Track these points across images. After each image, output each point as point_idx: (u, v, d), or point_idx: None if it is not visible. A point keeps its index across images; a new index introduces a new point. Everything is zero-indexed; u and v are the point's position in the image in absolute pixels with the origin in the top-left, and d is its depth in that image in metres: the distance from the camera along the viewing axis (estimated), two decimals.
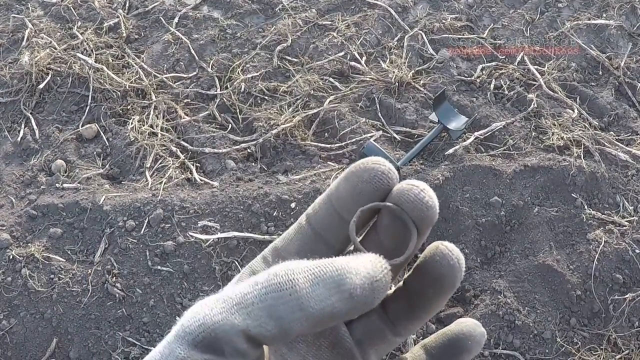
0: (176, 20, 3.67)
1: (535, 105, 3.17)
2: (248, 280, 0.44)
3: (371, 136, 3.01)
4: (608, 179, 2.88)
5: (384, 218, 0.52)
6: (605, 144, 3.02)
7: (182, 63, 3.44)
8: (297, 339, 0.52)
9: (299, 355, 0.52)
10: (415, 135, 3.05)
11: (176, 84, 3.33)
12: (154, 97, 3.22)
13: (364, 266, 0.44)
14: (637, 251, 2.65)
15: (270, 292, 0.43)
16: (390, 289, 0.52)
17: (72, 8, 3.76)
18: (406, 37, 3.52)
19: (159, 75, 3.35)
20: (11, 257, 2.61)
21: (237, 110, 3.19)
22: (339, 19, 3.62)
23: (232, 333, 0.42)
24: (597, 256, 2.62)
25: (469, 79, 3.33)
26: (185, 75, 3.38)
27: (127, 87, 3.27)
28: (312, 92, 3.22)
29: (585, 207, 2.79)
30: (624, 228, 2.73)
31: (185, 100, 3.24)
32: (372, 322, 0.54)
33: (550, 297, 2.57)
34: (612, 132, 3.12)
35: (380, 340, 0.54)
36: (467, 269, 2.67)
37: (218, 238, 2.62)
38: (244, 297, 0.43)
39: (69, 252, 2.66)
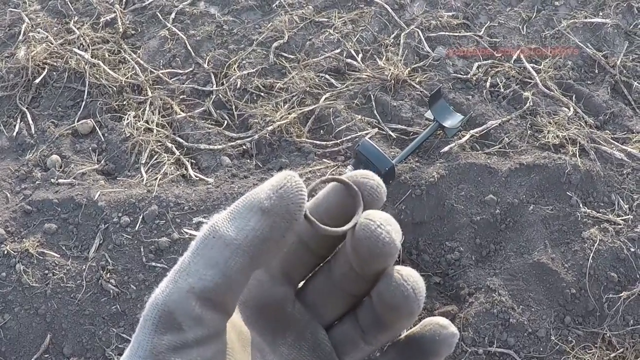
0: (173, 16, 3.67)
1: (531, 104, 3.17)
2: None
3: (366, 133, 3.01)
4: (603, 178, 2.88)
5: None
6: (601, 142, 3.02)
7: (178, 59, 3.43)
8: (279, 342, 0.52)
9: (281, 358, 0.52)
10: (411, 133, 3.05)
11: (172, 79, 3.33)
12: (149, 93, 3.22)
13: (269, 182, 0.45)
14: (632, 250, 2.65)
15: (199, 245, 0.44)
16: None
17: (69, 3, 3.75)
18: (402, 34, 3.51)
19: (155, 71, 3.35)
20: (5, 252, 2.61)
21: (233, 107, 3.19)
22: (335, 16, 3.62)
23: (180, 299, 0.43)
24: (592, 255, 2.62)
25: (465, 76, 3.33)
26: (181, 71, 3.38)
27: (123, 83, 3.27)
28: (308, 89, 3.22)
29: (581, 205, 2.79)
30: (619, 227, 2.73)
31: (181, 96, 3.24)
32: (346, 329, 0.54)
33: (544, 296, 2.57)
34: (607, 131, 3.12)
35: (353, 347, 0.54)
36: (462, 267, 2.67)
37: None
38: (182, 262, 0.44)
39: (63, 248, 2.66)
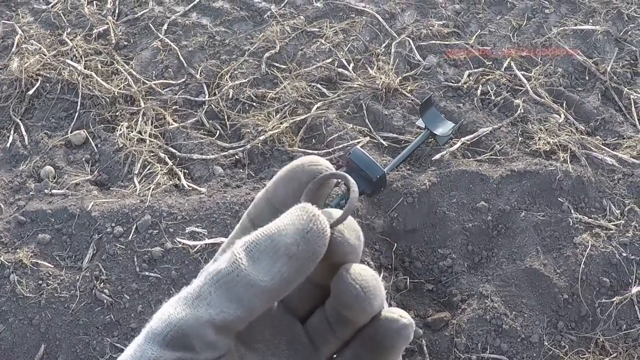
0: (165, 27, 3.68)
1: (522, 111, 3.18)
2: (202, 273, 0.46)
3: (358, 142, 3.02)
4: (594, 183, 2.89)
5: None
6: (592, 148, 3.03)
7: (170, 70, 3.45)
8: (256, 338, 0.52)
9: (258, 354, 0.52)
10: (403, 141, 3.06)
11: (165, 90, 3.34)
12: (142, 104, 3.23)
13: (292, 222, 0.45)
14: (624, 254, 2.66)
15: (221, 278, 0.44)
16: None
17: (61, 14, 3.77)
18: (393, 43, 3.53)
19: (147, 82, 3.36)
20: (0, 262, 2.61)
21: (225, 117, 3.20)
22: (326, 26, 3.64)
23: (198, 326, 0.43)
24: (584, 260, 2.63)
25: (455, 85, 3.34)
26: (173, 82, 3.39)
27: (116, 94, 3.28)
28: (299, 98, 3.24)
29: (572, 211, 2.80)
30: (611, 232, 2.74)
31: (173, 107, 3.25)
32: (316, 323, 0.54)
33: (537, 301, 2.58)
34: (598, 137, 3.14)
35: (324, 341, 0.54)
36: (454, 274, 2.68)
37: (206, 244, 2.63)
38: (201, 290, 0.44)
39: (57, 258, 2.66)
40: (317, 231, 0.45)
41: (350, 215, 0.49)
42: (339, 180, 0.51)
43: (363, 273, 0.49)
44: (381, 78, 3.29)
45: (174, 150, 3.07)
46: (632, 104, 3.30)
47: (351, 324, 0.52)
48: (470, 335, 2.51)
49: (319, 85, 3.33)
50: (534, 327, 2.52)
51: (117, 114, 3.23)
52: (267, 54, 3.48)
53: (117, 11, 3.84)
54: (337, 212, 0.49)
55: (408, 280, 2.66)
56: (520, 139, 3.09)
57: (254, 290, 0.43)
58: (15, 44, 3.57)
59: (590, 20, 3.72)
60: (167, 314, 0.44)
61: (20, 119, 3.23)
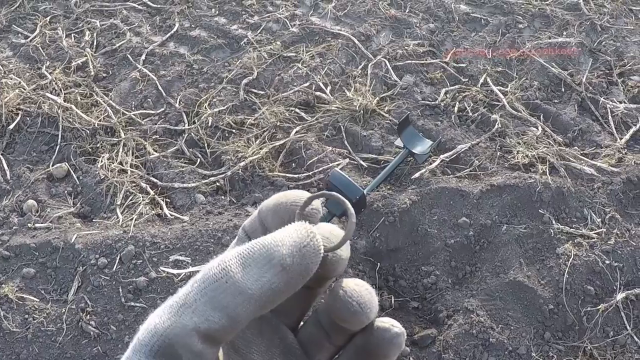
0: (143, 57, 3.70)
1: (500, 125, 3.21)
2: (189, 281, 0.46)
3: (338, 164, 3.03)
4: (574, 193, 2.91)
5: None
6: (570, 159, 3.05)
7: (149, 99, 3.46)
8: (252, 350, 0.53)
9: None
10: (382, 162, 3.08)
11: (144, 120, 3.36)
12: (122, 135, 3.24)
13: (290, 236, 0.45)
14: (607, 262, 2.68)
15: (208, 285, 0.44)
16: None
17: (40, 48, 3.78)
18: (370, 65, 3.56)
19: (127, 113, 3.37)
20: None
21: (205, 145, 3.22)
22: (303, 50, 3.66)
23: (183, 335, 0.43)
24: (567, 270, 2.64)
25: (433, 103, 3.37)
26: (153, 112, 3.40)
27: (96, 125, 3.29)
28: (278, 123, 3.25)
29: (553, 222, 2.82)
30: (593, 240, 2.76)
31: (153, 137, 3.27)
32: (310, 331, 0.55)
33: (523, 313, 2.59)
34: (576, 147, 3.16)
35: (319, 348, 0.55)
36: (439, 290, 2.69)
37: (190, 272, 2.63)
38: (186, 297, 0.44)
39: (42, 292, 2.66)
40: (313, 248, 0.45)
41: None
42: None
43: (357, 289, 0.50)
44: (359, 100, 3.31)
45: (155, 180, 3.08)
46: (609, 113, 3.34)
47: (347, 331, 0.53)
48: (457, 351, 2.51)
49: (297, 110, 3.34)
50: (521, 339, 2.53)
51: (98, 145, 3.24)
52: (244, 81, 3.50)
53: (95, 43, 3.86)
54: (335, 231, 0.50)
55: (393, 299, 2.67)
56: (498, 153, 3.11)
57: (240, 299, 0.43)
58: None
59: (564, 33, 3.76)
60: (152, 324, 0.44)
61: (1, 154, 3.24)
